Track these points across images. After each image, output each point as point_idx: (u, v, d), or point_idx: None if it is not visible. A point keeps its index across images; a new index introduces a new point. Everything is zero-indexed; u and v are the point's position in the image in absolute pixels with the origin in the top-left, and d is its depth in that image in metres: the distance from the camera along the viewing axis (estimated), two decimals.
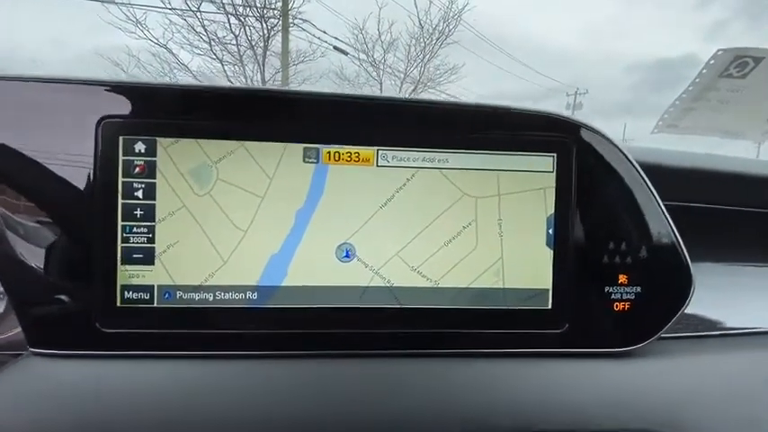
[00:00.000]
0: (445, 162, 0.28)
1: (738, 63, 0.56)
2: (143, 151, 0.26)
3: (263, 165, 0.26)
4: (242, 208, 0.26)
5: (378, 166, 0.27)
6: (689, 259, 0.29)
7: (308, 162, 0.27)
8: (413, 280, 0.28)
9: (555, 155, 0.28)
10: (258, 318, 0.26)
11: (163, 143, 0.26)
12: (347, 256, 0.27)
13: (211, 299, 0.26)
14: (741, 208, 0.39)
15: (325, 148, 0.27)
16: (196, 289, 0.26)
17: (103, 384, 0.24)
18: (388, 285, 0.27)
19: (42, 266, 0.25)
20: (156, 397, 0.24)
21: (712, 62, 0.57)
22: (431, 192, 0.28)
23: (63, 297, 0.25)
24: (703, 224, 0.35)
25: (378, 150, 0.27)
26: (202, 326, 0.26)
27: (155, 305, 0.26)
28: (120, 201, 0.25)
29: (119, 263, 0.25)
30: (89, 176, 0.25)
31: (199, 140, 0.26)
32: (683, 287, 0.29)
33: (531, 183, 0.28)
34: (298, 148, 0.27)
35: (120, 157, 0.25)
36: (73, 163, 0.25)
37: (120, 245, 0.25)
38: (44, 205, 0.25)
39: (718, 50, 0.56)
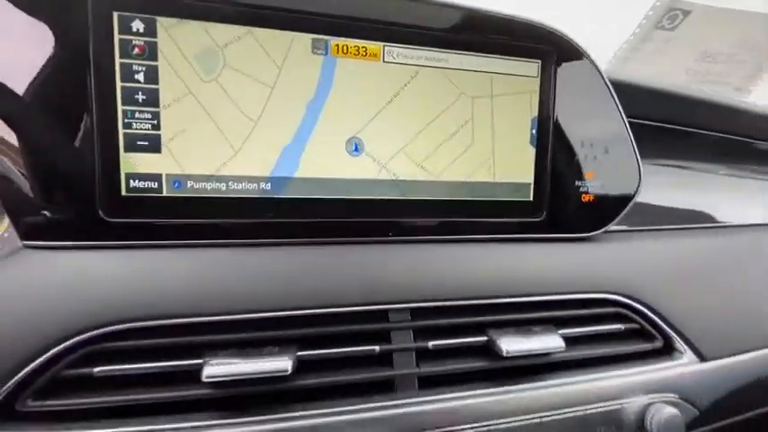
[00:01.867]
0: (446, 62, 0.29)
1: (670, 15, 0.63)
2: (142, 30, 0.24)
3: (271, 53, 0.26)
4: (252, 97, 0.26)
5: (384, 61, 0.28)
6: (640, 161, 0.34)
7: (317, 54, 0.27)
8: (416, 174, 0.30)
9: (540, 62, 0.31)
10: (272, 207, 0.27)
11: (164, 23, 0.24)
12: (356, 150, 0.28)
13: (224, 188, 0.26)
14: (689, 128, 0.46)
15: (333, 41, 0.27)
16: (208, 178, 0.26)
17: (110, 274, 0.24)
18: (394, 179, 0.29)
19: (41, 156, 0.23)
20: (165, 286, 0.24)
21: (651, 13, 0.64)
22: (433, 90, 0.29)
23: (63, 188, 0.24)
24: (658, 138, 0.41)
25: (384, 46, 0.28)
26: (215, 215, 0.26)
27: (164, 194, 0.25)
28: (118, 83, 0.24)
29: (122, 150, 0.24)
30: (84, 57, 0.23)
31: (204, 23, 0.25)
32: (634, 182, 0.34)
33: (518, 86, 0.31)
34: (306, 38, 0.27)
35: (117, 36, 0.24)
36: (66, 42, 0.23)
37: (121, 131, 0.24)
38: (39, 90, 0.23)
39: (657, 0, 0.62)
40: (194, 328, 0.24)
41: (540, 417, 0.26)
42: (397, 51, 0.28)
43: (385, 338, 0.26)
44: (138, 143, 0.25)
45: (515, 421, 0.26)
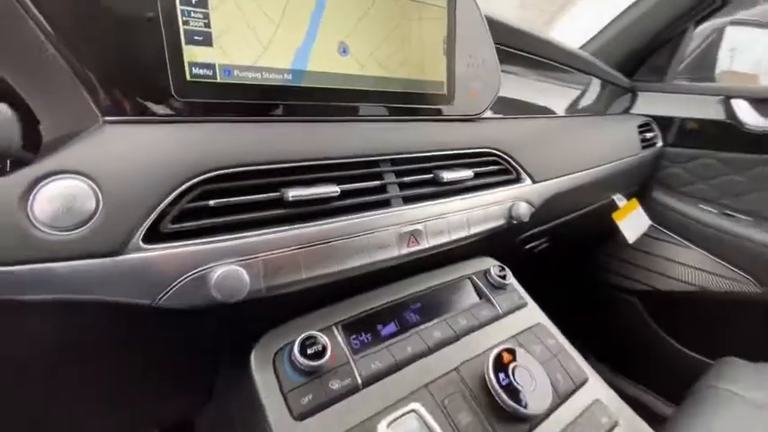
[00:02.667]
0: None
1: None
2: None
3: None
4: (273, 5, 0.35)
5: None
6: (500, 71, 0.55)
7: None
8: (381, 71, 0.44)
9: (447, 1, 0.48)
10: (291, 92, 0.38)
11: None
12: (344, 52, 0.40)
13: (260, 77, 0.36)
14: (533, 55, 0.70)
15: None
16: (248, 69, 0.35)
17: (197, 139, 0.32)
18: (369, 75, 0.43)
19: (123, 47, 0.29)
20: (240, 145, 0.34)
21: None
22: (389, 12, 0.43)
23: (143, 75, 0.30)
24: (513, 59, 0.63)
25: None
26: (255, 98, 0.36)
27: (218, 80, 0.34)
28: None
29: (183, 43, 0.31)
30: None
31: None
32: (497, 84, 0.55)
33: (435, 14, 0.47)
34: None
35: None
36: None
37: (181, 27, 0.31)
38: None
39: None
40: (265, 173, 0.34)
41: (462, 212, 0.46)
42: None
43: (379, 177, 0.41)
44: (195, 38, 0.32)
45: (445, 215, 0.45)
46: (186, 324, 0.33)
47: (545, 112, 0.76)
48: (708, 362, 0.86)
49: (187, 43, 0.32)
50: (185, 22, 0.31)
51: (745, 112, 0.88)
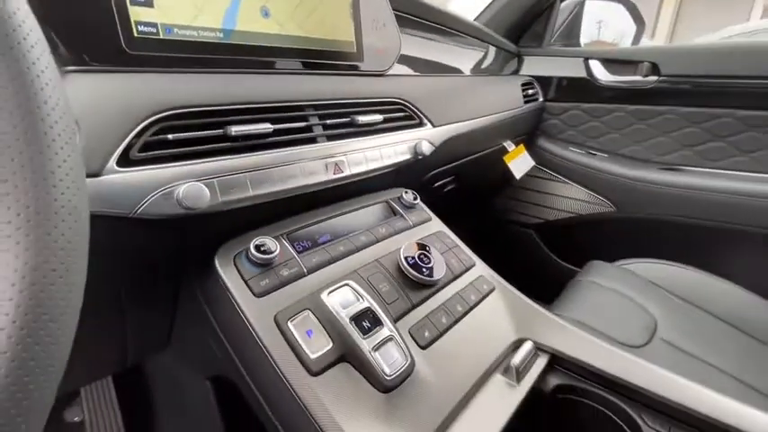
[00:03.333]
0: None
1: None
2: None
3: None
4: None
5: None
6: (400, 33, 0.67)
7: None
8: (298, 31, 0.52)
9: None
10: (224, 48, 0.45)
11: None
12: (266, 14, 0.49)
13: (196, 35, 0.43)
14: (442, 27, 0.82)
15: None
16: (186, 27, 0.42)
17: (151, 84, 0.39)
18: (287, 34, 0.51)
19: (79, 9, 0.34)
20: (189, 89, 0.41)
21: None
22: None
23: (97, 32, 0.36)
24: (415, 27, 0.75)
25: None
26: (193, 52, 0.43)
27: (161, 36, 0.40)
28: None
29: (128, 4, 0.38)
30: None
31: None
32: (398, 44, 0.67)
33: None
34: None
35: None
36: None
37: None
38: None
39: None
40: (210, 114, 0.42)
41: (376, 147, 0.58)
42: None
43: (305, 119, 0.51)
44: (139, 0, 0.38)
45: (362, 150, 0.56)
46: (157, 235, 0.41)
47: (445, 71, 0.90)
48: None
49: (132, 4, 0.38)
50: None
51: (598, 70, 1.11)
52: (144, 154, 0.37)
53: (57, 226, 0.17)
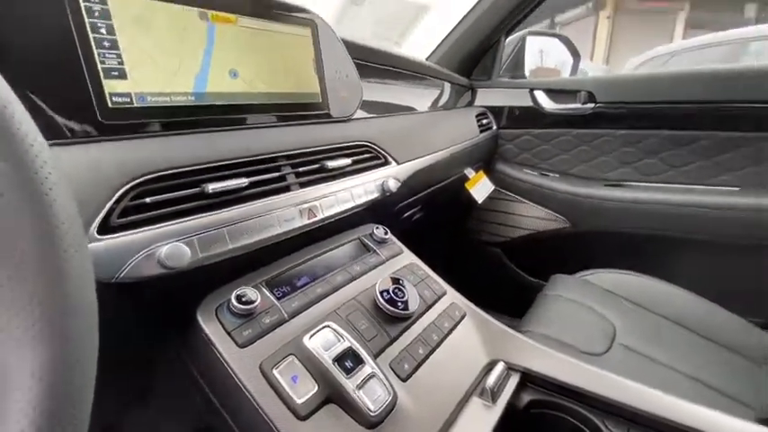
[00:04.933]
0: (270, 27, 0.56)
1: None
2: (98, 1, 0.39)
3: (181, 19, 0.46)
4: (174, 44, 0.45)
5: (238, 25, 0.52)
6: (360, 81, 0.72)
7: (203, 20, 0.48)
8: (266, 88, 0.56)
9: (311, 28, 0.62)
10: (196, 110, 0.48)
11: None
12: (234, 75, 0.52)
13: (169, 100, 0.45)
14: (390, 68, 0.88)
15: (210, 13, 0.49)
16: (158, 94, 0.44)
17: (127, 151, 0.41)
18: (255, 91, 0.55)
19: (56, 85, 0.36)
20: (164, 152, 0.43)
21: None
22: (269, 42, 0.55)
23: (75, 106, 0.38)
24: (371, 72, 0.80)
25: (237, 17, 0.52)
26: (166, 117, 0.45)
27: (135, 105, 0.42)
28: (90, 35, 0.39)
29: (102, 78, 0.40)
30: (67, 21, 0.37)
31: None
32: (360, 91, 0.72)
33: (304, 41, 0.61)
34: (195, 11, 0.47)
35: (82, 4, 0.38)
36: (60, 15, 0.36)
37: (100, 66, 0.40)
38: (45, 45, 0.36)
39: None
40: (187, 174, 0.44)
41: (347, 189, 0.61)
42: (246, 20, 0.52)
43: (278, 169, 0.54)
44: (112, 73, 0.41)
45: (334, 193, 0.60)
46: (137, 295, 0.42)
47: (405, 110, 0.97)
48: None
49: (106, 78, 0.40)
50: (102, 62, 0.40)
51: (543, 99, 1.21)
52: (124, 219, 0.38)
53: (70, 321, 0.19)
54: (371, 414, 0.41)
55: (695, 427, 0.46)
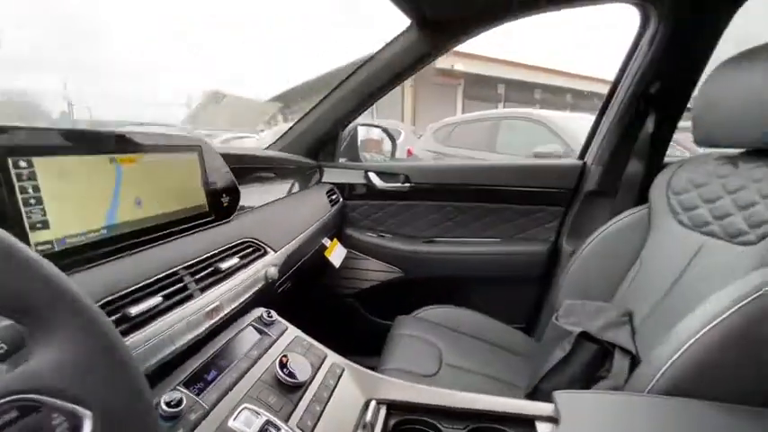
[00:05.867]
0: (164, 158, 0.66)
1: (216, 97, 1.15)
2: (25, 165, 0.45)
3: (95, 167, 0.53)
4: (88, 189, 0.52)
5: (141, 162, 0.61)
6: (239, 187, 0.86)
7: (112, 163, 0.56)
8: (161, 209, 0.65)
9: (198, 151, 0.74)
10: (111, 240, 0.55)
11: (38, 160, 0.46)
12: (139, 204, 0.60)
13: (84, 238, 0.51)
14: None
15: (118, 157, 0.57)
16: (75, 235, 0.50)
17: None
18: (155, 213, 0.63)
19: None
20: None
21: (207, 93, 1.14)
22: (163, 171, 0.65)
23: None
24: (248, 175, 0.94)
25: (140, 155, 0.61)
26: (85, 252, 0.51)
27: (56, 249, 0.48)
28: (19, 196, 0.44)
29: (28, 231, 0.45)
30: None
31: (58, 157, 0.48)
32: (238, 197, 0.85)
33: (192, 162, 0.72)
34: (106, 157, 0.55)
35: (12, 170, 0.43)
36: None
37: (26, 221, 0.44)
38: None
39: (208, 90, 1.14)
40: (107, 303, 0.50)
41: (240, 284, 0.74)
42: (147, 157, 0.62)
43: (181, 280, 0.63)
44: (37, 226, 0.46)
45: (230, 290, 0.71)
46: None
47: (272, 196, 1.12)
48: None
49: (31, 230, 0.45)
50: (29, 218, 0.45)
51: (374, 178, 1.56)
52: None
53: None
54: None
55: (489, 410, 0.76)
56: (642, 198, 1.13)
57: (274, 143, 1.45)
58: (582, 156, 1.46)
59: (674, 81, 1.17)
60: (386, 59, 1.32)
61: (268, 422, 0.57)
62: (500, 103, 12.58)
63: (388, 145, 1.81)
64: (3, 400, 0.24)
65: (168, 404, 0.52)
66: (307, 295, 1.58)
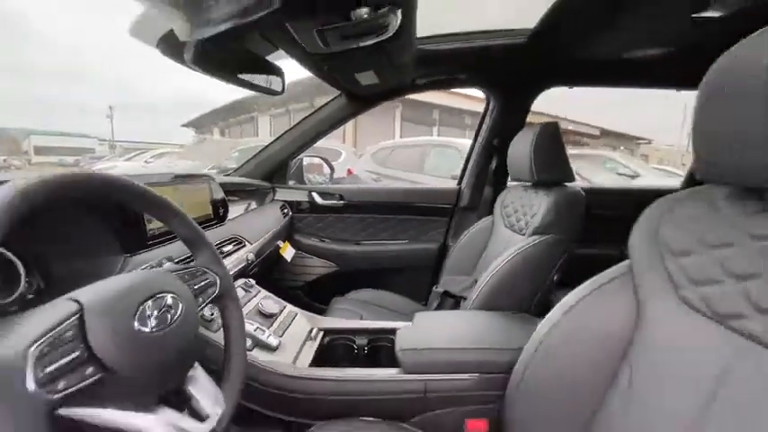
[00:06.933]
0: (191, 186, 1.15)
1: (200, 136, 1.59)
2: None
3: (163, 190, 1.02)
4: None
5: (179, 189, 1.10)
6: (227, 201, 1.35)
7: (176, 191, 1.05)
8: (192, 214, 1.13)
9: (208, 183, 1.23)
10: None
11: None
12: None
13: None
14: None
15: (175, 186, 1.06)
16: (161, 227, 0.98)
17: None
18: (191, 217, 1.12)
19: None
20: None
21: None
22: (192, 194, 1.14)
23: None
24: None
25: (176, 187, 1.10)
26: (167, 235, 0.99)
27: (156, 233, 0.95)
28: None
29: (146, 225, 0.93)
30: None
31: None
32: (226, 211, 1.35)
33: (205, 188, 1.22)
34: (171, 186, 1.04)
35: None
36: None
37: (146, 223, 0.93)
38: None
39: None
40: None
41: (235, 259, 1.22)
42: (180, 186, 1.10)
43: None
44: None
45: (232, 261, 1.20)
46: None
47: (243, 209, 1.62)
48: None
49: (147, 222, 0.93)
50: (148, 220, 0.93)
51: (317, 197, 2.10)
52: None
53: None
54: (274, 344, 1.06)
55: (381, 327, 1.31)
56: (490, 211, 1.79)
57: (236, 170, 1.93)
58: (459, 182, 2.13)
59: (505, 137, 1.88)
60: (324, 115, 1.89)
61: (258, 328, 1.08)
62: (434, 126, 13.80)
63: (328, 168, 2.36)
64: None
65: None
66: (266, 283, 2.05)
